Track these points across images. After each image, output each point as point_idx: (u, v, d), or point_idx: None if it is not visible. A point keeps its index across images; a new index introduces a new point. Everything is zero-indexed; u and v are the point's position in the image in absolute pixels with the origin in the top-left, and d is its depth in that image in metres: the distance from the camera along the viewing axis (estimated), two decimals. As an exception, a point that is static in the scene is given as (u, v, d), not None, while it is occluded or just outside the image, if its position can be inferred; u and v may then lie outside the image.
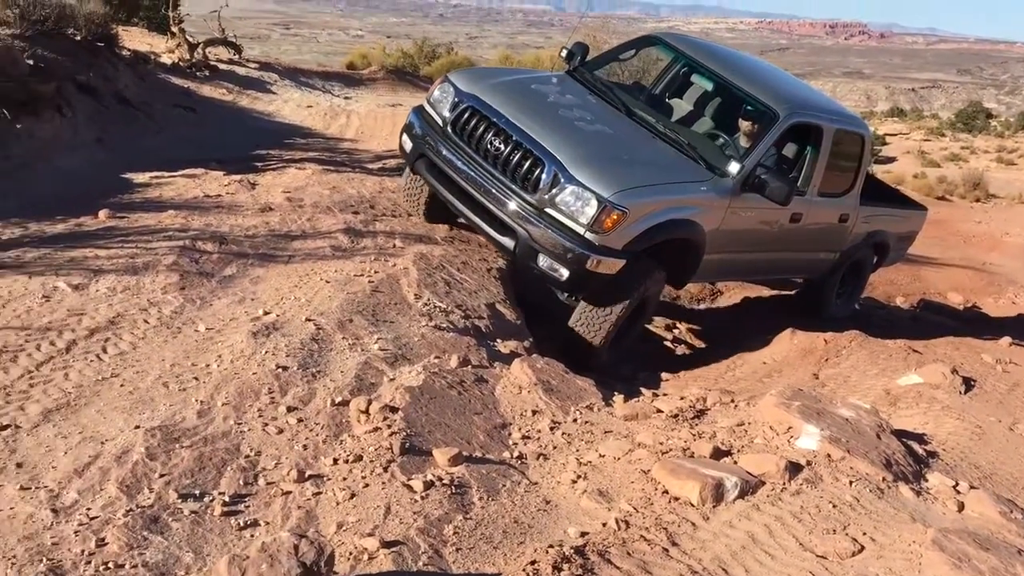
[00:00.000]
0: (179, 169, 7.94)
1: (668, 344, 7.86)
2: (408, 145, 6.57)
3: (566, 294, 6.49)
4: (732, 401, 4.40)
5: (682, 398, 4.52)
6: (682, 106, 7.60)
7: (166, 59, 14.51)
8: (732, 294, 9.72)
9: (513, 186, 5.81)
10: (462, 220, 6.99)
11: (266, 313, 4.65)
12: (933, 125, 59.65)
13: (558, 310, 6.61)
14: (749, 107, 7.06)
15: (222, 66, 16.03)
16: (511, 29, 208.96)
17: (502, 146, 5.88)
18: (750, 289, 9.66)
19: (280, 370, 3.89)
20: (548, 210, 5.68)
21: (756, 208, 6.62)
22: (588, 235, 5.56)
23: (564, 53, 7.32)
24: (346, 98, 18.11)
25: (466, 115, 6.13)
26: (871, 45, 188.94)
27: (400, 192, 7.48)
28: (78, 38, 10.07)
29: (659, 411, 4.22)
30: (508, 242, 5.85)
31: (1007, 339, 8.02)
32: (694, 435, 3.76)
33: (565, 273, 5.66)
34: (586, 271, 5.61)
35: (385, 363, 4.24)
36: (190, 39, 15.86)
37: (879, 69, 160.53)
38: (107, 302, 4.49)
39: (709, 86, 7.35)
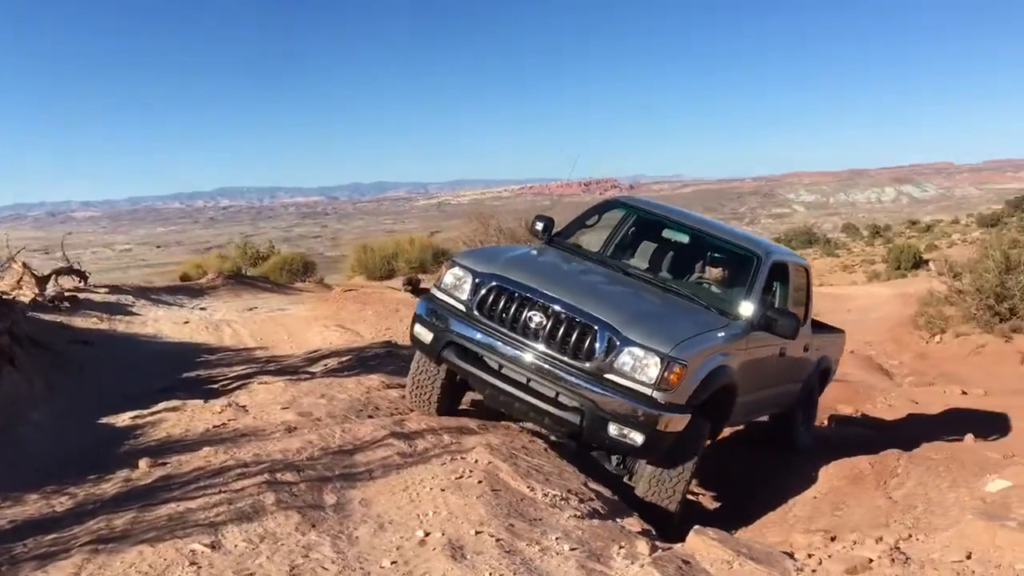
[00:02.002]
0: (148, 405, 7.31)
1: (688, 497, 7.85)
2: (427, 336, 6.28)
3: (616, 463, 6.39)
4: (910, 536, 4.46)
5: (854, 543, 4.52)
6: (641, 261, 7.88)
7: (22, 296, 13.44)
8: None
9: (564, 358, 5.66)
10: (488, 405, 6.82)
11: (427, 534, 4.29)
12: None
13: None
14: (718, 255, 7.48)
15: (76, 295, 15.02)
16: (286, 223, 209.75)
17: (543, 319, 5.75)
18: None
19: (524, 589, 3.59)
20: (608, 376, 5.56)
21: (760, 346, 6.91)
22: (655, 394, 5.48)
23: (539, 226, 7.40)
24: (201, 308, 17.37)
25: (492, 295, 6.00)
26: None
27: (409, 387, 7.08)
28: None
29: (870, 560, 4.20)
30: (572, 417, 5.63)
31: (970, 436, 8.70)
32: (956, 575, 3.76)
33: (639, 438, 5.48)
34: (659, 432, 5.49)
35: (594, 562, 4.02)
36: (35, 273, 14.86)
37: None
38: (263, 556, 3.99)
39: (685, 239, 7.71)
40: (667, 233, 7.89)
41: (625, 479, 6.33)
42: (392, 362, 9.73)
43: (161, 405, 7.21)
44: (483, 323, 6.03)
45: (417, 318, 6.45)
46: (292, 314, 15.64)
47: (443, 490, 4.95)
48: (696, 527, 4.71)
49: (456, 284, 6.30)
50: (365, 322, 13.78)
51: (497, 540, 4.18)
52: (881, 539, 4.46)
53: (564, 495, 5.17)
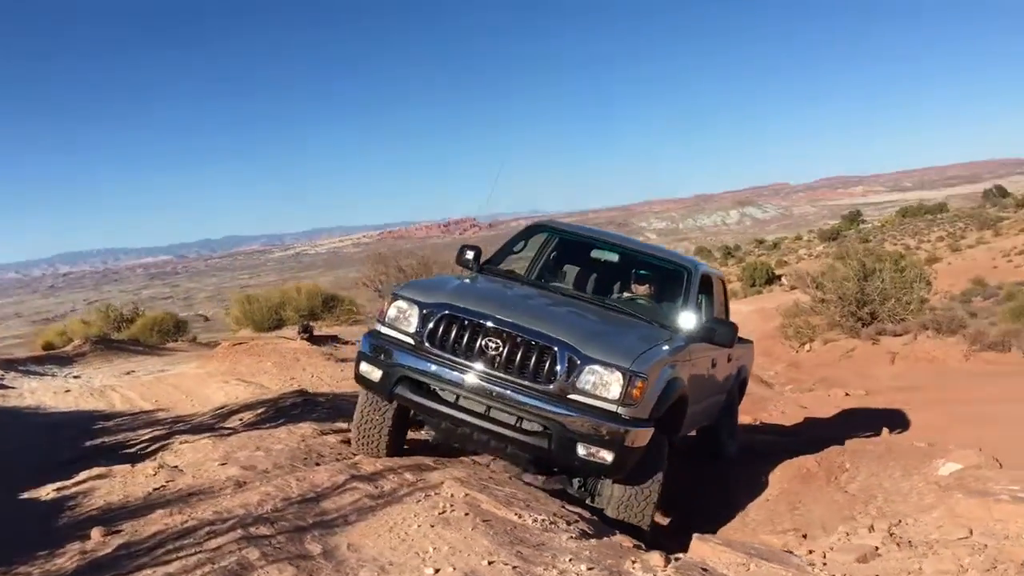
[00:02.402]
0: (65, 476, 6.77)
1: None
2: (375, 374, 6.03)
3: (577, 486, 6.32)
4: (899, 521, 4.58)
5: (847, 534, 4.62)
6: (571, 282, 7.93)
7: None
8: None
9: (525, 382, 5.56)
10: (439, 440, 6.65)
11: (437, 570, 4.13)
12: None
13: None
14: (643, 271, 7.56)
15: (-61, 371, 13.86)
16: (134, 285, 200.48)
17: (499, 344, 5.64)
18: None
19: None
20: (572, 396, 5.48)
21: (699, 357, 7.05)
22: (620, 410, 5.45)
23: (469, 255, 7.30)
24: (75, 377, 16.41)
25: (443, 324, 5.85)
26: (484, 235, 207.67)
27: (355, 431, 6.73)
28: None
29: (876, 548, 4.29)
30: (539, 441, 5.50)
31: (885, 431, 9.13)
32: (971, 550, 3.89)
33: (609, 456, 5.38)
34: (627, 448, 5.42)
35: (617, 576, 3.95)
36: None
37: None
38: (274, 612, 3.73)
39: (614, 257, 7.79)
40: (596, 253, 7.95)
41: (587, 501, 6.26)
42: (314, 410, 9.38)
43: (84, 474, 6.68)
44: (435, 354, 5.86)
45: (362, 356, 6.20)
46: (181, 373, 14.89)
47: (432, 526, 4.78)
48: (696, 535, 4.72)
49: (401, 317, 6.11)
50: (266, 374, 13.27)
51: (514, 568, 4.07)
52: (873, 527, 4.57)
53: (551, 519, 5.09)
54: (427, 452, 6.94)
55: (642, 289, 7.48)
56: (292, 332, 17.05)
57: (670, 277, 7.40)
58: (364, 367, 6.14)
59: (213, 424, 9.48)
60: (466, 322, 5.82)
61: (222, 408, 10.60)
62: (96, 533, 5.00)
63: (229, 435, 8.12)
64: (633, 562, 4.21)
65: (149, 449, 7.96)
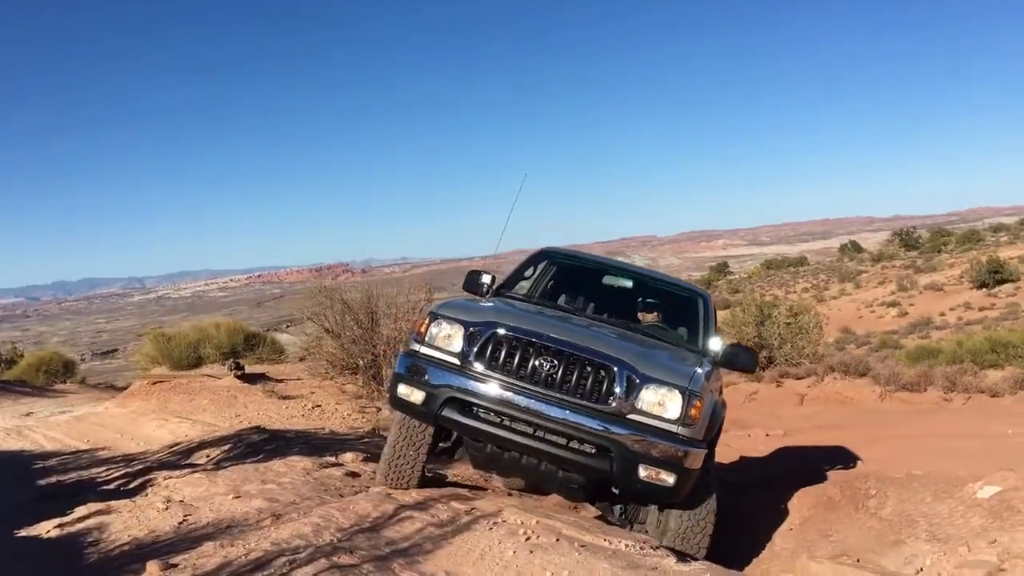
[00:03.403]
0: (62, 512, 6.16)
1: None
2: (416, 396, 5.66)
3: (619, 513, 6.19)
4: (994, 541, 4.65)
5: (944, 553, 4.66)
6: (576, 306, 7.81)
7: None
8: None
9: (583, 402, 5.36)
10: (479, 467, 6.38)
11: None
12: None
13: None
14: (651, 299, 7.57)
15: None
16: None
17: (553, 364, 5.43)
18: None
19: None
20: (631, 416, 5.32)
21: (718, 383, 7.07)
22: (680, 430, 5.32)
23: (486, 279, 7.06)
24: (-32, 417, 15.08)
25: (491, 343, 5.59)
26: (358, 280, 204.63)
27: (388, 460, 6.26)
28: None
29: (1001, 567, 4.31)
30: (599, 463, 5.28)
31: (860, 462, 9.36)
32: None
33: (671, 479, 5.21)
34: (687, 470, 5.29)
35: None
36: None
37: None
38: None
39: (628, 284, 7.74)
40: (608, 279, 7.86)
41: (626, 530, 6.12)
42: (289, 445, 8.91)
43: (82, 510, 6.09)
44: (484, 374, 5.57)
45: (399, 378, 5.80)
46: (100, 413, 13.90)
47: (531, 552, 4.58)
48: (808, 556, 4.68)
49: (444, 336, 5.80)
50: (206, 411, 12.54)
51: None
52: (969, 546, 4.62)
53: (640, 545, 4.96)
54: (446, 484, 6.71)
55: (650, 316, 7.45)
56: (214, 370, 16.26)
57: (684, 304, 7.42)
58: (403, 389, 5.76)
59: (177, 461, 8.88)
60: (515, 341, 5.62)
61: (176, 445, 9.95)
62: (153, 567, 4.55)
63: (216, 470, 7.62)
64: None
65: (131, 485, 7.37)
